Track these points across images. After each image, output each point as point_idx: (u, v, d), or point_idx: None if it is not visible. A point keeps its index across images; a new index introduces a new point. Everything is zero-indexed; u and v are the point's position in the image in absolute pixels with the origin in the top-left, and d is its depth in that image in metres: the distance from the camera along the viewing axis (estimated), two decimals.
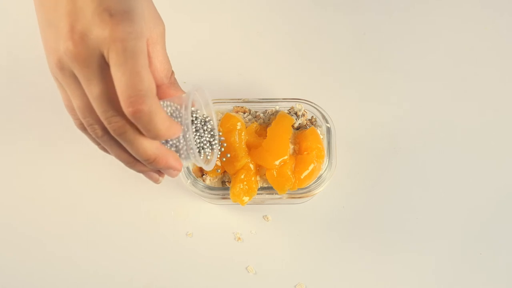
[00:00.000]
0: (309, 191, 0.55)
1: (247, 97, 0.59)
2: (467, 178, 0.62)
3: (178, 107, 0.41)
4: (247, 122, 0.57)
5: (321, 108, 0.57)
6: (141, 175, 0.61)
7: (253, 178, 0.54)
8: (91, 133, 0.38)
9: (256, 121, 0.57)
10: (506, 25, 0.69)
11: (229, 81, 0.66)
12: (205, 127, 0.45)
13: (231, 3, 0.70)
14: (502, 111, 0.65)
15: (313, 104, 0.57)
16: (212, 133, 0.46)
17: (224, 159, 0.54)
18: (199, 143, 0.45)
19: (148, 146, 0.38)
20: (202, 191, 0.55)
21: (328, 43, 0.68)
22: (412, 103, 0.65)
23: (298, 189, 0.54)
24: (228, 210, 0.61)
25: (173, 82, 0.42)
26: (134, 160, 0.40)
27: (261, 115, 0.57)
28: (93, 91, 0.35)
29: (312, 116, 0.58)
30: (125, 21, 0.34)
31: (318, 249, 0.60)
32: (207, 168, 0.46)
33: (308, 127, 0.56)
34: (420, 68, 0.67)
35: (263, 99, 0.58)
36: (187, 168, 0.55)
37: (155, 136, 0.37)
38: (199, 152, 0.45)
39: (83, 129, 0.39)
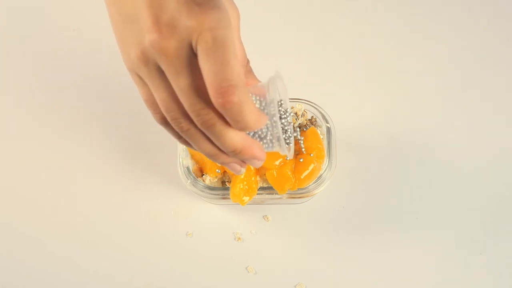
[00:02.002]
0: (309, 191, 0.55)
1: None
2: (467, 178, 0.62)
3: (258, 97, 0.40)
4: None
5: (321, 108, 0.57)
6: (141, 175, 0.62)
7: (253, 178, 0.54)
8: (175, 127, 0.37)
9: None
10: (506, 25, 0.69)
11: None
12: (282, 114, 0.44)
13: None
14: (503, 111, 0.65)
15: (313, 104, 0.57)
16: (288, 119, 0.45)
17: None
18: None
19: (235, 138, 0.37)
20: (202, 191, 0.55)
21: (328, 43, 0.68)
22: (413, 103, 0.65)
23: (298, 189, 0.54)
24: (228, 210, 0.61)
25: (249, 70, 0.41)
26: (219, 152, 0.39)
27: None
28: (181, 84, 0.34)
29: (312, 116, 0.58)
30: (213, 9, 0.33)
31: (318, 249, 0.60)
32: (290, 155, 0.45)
33: (308, 127, 0.56)
34: (420, 69, 0.67)
35: None
36: (187, 168, 0.55)
37: (244, 128, 0.35)
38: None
39: (165, 123, 0.38)
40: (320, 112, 0.57)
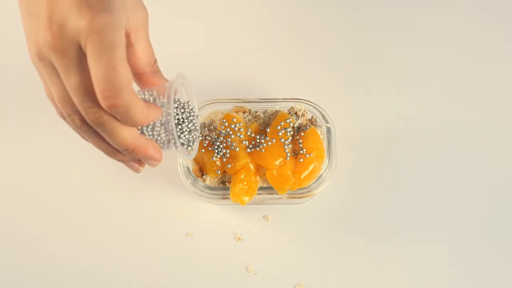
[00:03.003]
0: (309, 191, 0.55)
1: (247, 97, 0.59)
2: (467, 178, 0.62)
3: (161, 97, 0.41)
4: (247, 122, 0.57)
5: (321, 108, 0.57)
6: (141, 175, 0.62)
7: (253, 178, 0.54)
8: (69, 123, 0.39)
9: (256, 121, 0.57)
10: (506, 25, 0.69)
11: (229, 81, 0.66)
12: (186, 116, 0.45)
13: (231, 3, 0.70)
14: (503, 111, 0.65)
15: (313, 104, 0.57)
16: (193, 121, 0.45)
17: (224, 159, 0.54)
18: (181, 132, 0.45)
19: (127, 136, 0.38)
20: (202, 191, 0.55)
21: (328, 43, 0.68)
22: (412, 103, 0.65)
23: (298, 189, 0.54)
24: (228, 210, 0.61)
25: (155, 70, 0.42)
26: (113, 150, 0.40)
27: (261, 115, 0.57)
28: (71, 82, 0.35)
29: (312, 116, 0.58)
30: (103, 12, 0.33)
31: (318, 249, 0.60)
32: (188, 157, 0.46)
33: (308, 127, 0.56)
34: (420, 68, 0.67)
35: (263, 99, 0.58)
36: (187, 168, 0.55)
37: (133, 125, 0.37)
38: (181, 141, 0.45)
39: (64, 118, 0.39)
40: (320, 112, 0.57)
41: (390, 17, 0.69)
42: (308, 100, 0.57)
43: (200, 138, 0.52)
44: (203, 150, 0.54)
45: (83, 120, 0.37)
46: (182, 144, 0.45)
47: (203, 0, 0.70)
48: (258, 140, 0.54)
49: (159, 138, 0.42)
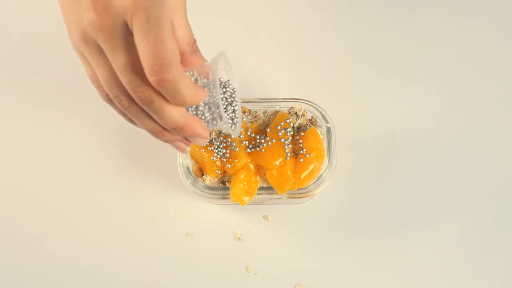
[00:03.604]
0: (309, 191, 0.55)
1: (247, 97, 0.59)
2: (467, 178, 0.62)
3: (202, 77, 0.41)
4: (247, 122, 0.57)
5: (321, 108, 0.57)
6: (141, 175, 0.62)
7: (253, 178, 0.54)
8: (117, 104, 0.38)
9: (256, 121, 0.57)
10: (506, 25, 0.69)
11: None
12: (229, 95, 0.45)
13: (231, 3, 0.70)
14: (503, 111, 0.65)
15: (313, 104, 0.57)
16: (234, 98, 0.45)
17: (224, 159, 0.54)
18: (224, 111, 0.44)
19: (175, 115, 0.38)
20: (202, 191, 0.55)
21: (329, 43, 0.68)
22: (412, 103, 0.65)
23: (298, 189, 0.54)
24: (228, 210, 0.61)
25: (195, 49, 0.42)
26: (162, 130, 0.40)
27: (261, 115, 0.57)
28: (118, 61, 0.35)
29: (312, 116, 0.58)
30: None
31: (318, 249, 0.60)
32: (234, 134, 0.46)
33: (308, 127, 0.56)
34: (420, 69, 0.67)
35: (263, 99, 0.58)
36: (187, 168, 0.55)
37: (181, 103, 0.37)
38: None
39: (109, 101, 0.39)
40: (320, 112, 0.57)
41: (391, 17, 0.69)
42: (308, 100, 0.57)
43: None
44: (203, 150, 0.54)
45: (131, 100, 0.37)
46: (233, 122, 0.45)
47: (202, 1, 0.70)
48: (258, 140, 0.54)
49: (203, 118, 0.42)
